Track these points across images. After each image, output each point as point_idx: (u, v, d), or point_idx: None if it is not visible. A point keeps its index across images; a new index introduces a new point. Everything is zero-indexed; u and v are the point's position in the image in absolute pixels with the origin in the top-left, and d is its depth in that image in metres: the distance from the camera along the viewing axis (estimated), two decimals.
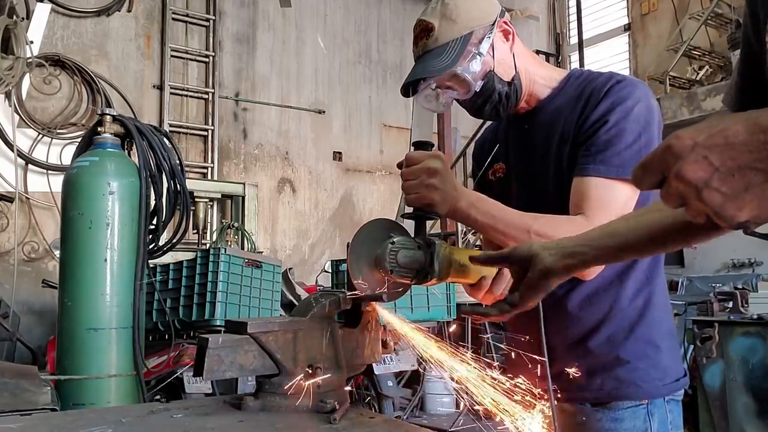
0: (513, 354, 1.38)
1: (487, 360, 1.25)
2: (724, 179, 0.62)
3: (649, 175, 0.68)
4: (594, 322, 1.38)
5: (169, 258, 3.84)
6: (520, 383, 1.18)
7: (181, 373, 3.86)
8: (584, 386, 1.35)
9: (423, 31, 1.37)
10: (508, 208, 1.30)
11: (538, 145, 1.44)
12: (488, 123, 1.69)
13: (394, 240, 1.18)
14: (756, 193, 0.61)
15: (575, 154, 1.34)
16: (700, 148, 0.63)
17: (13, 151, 5.34)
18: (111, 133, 3.03)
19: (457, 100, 1.43)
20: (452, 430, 5.31)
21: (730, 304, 4.05)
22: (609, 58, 8.88)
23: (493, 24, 1.38)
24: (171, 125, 6.44)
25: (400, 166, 1.28)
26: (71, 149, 4.13)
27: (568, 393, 1.32)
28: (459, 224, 6.61)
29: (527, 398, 1.17)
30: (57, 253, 3.46)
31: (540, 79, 1.46)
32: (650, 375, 1.34)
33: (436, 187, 1.23)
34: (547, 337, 1.18)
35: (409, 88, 1.40)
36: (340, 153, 7.66)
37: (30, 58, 5.24)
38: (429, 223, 1.33)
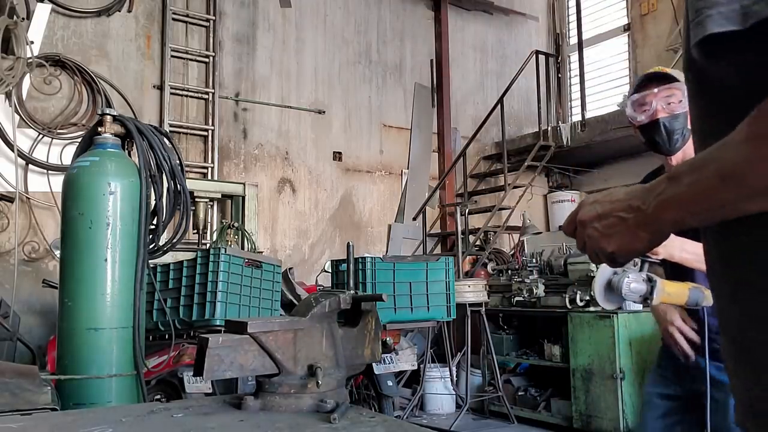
0: None
1: None
2: (600, 221, 0.91)
3: (568, 224, 0.99)
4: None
5: (169, 258, 3.84)
6: None
7: (181, 373, 3.87)
8: None
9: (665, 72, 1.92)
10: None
11: None
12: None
13: (630, 274, 1.81)
14: (619, 232, 0.88)
15: None
16: (595, 203, 0.93)
17: (13, 151, 5.34)
18: (111, 133, 3.03)
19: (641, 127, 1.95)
20: (452, 430, 5.31)
21: None
22: (609, 58, 8.88)
23: None
24: (171, 125, 6.44)
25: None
26: (71, 149, 4.14)
27: None
28: (458, 225, 6.62)
29: None
30: (57, 253, 3.47)
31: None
32: None
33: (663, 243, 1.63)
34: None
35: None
36: (340, 153, 7.66)
37: (30, 58, 5.25)
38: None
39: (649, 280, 1.79)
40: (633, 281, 1.80)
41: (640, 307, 5.26)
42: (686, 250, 1.76)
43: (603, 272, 1.85)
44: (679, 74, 1.86)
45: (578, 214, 0.95)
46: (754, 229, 0.76)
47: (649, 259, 1.82)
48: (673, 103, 1.87)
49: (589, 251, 0.95)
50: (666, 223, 0.84)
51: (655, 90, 1.88)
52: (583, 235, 0.94)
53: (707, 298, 1.81)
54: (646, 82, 1.92)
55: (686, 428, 2.02)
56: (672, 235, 1.46)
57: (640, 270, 1.83)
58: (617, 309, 2.01)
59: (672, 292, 1.81)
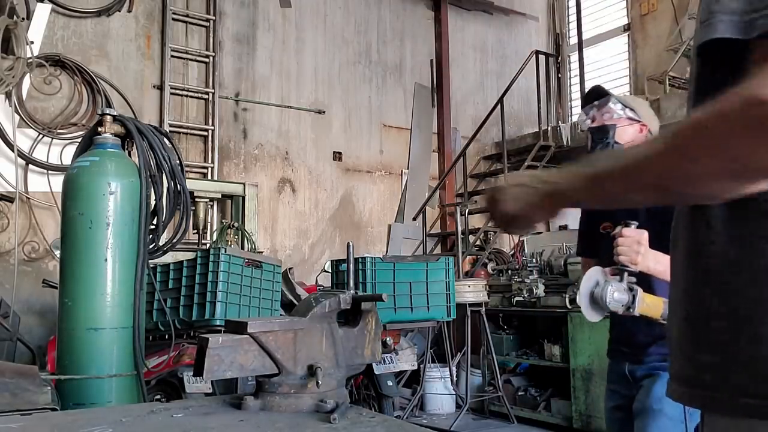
0: None
1: None
2: (516, 188, 1.08)
3: (489, 192, 1.16)
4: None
5: (169, 258, 3.84)
6: None
7: (181, 373, 3.87)
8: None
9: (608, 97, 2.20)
10: None
11: (639, 213, 2.05)
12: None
13: (612, 285, 1.88)
14: (526, 199, 1.06)
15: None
16: (518, 176, 1.12)
17: (13, 151, 5.34)
18: (111, 133, 3.03)
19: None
20: (452, 430, 5.31)
21: None
22: (609, 58, 8.88)
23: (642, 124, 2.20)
24: (171, 125, 6.44)
25: (614, 235, 1.97)
26: (71, 149, 4.14)
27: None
28: (458, 225, 6.62)
29: None
30: (57, 253, 3.47)
31: None
32: None
33: (642, 254, 1.91)
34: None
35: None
36: (340, 153, 7.66)
37: (30, 58, 5.24)
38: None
39: (631, 290, 1.88)
40: (616, 290, 1.88)
41: None
42: (660, 263, 1.88)
43: (586, 284, 1.93)
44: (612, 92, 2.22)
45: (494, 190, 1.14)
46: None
47: (628, 269, 1.90)
48: (605, 116, 2.20)
49: (497, 215, 1.13)
50: (567, 199, 1.01)
51: (595, 103, 2.23)
52: (497, 199, 1.11)
53: None
54: (587, 98, 2.29)
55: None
56: (648, 249, 1.90)
57: (621, 280, 1.90)
58: (603, 318, 2.05)
59: (650, 303, 1.90)
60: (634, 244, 1.90)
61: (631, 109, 2.21)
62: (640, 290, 1.87)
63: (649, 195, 0.91)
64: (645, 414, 2.06)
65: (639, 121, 2.19)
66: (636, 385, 2.18)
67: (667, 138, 0.80)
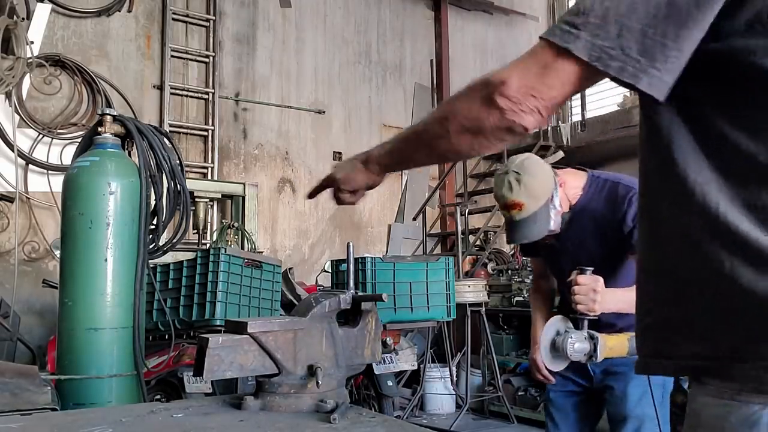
0: None
1: None
2: (342, 163, 1.46)
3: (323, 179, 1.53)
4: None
5: (169, 258, 3.83)
6: None
7: (181, 373, 3.86)
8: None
9: (515, 205, 2.02)
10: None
11: (585, 228, 2.12)
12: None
13: (573, 335, 1.88)
14: (348, 168, 1.43)
15: (621, 239, 2.02)
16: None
17: (13, 151, 5.34)
18: (111, 133, 3.03)
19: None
20: (452, 430, 5.31)
21: None
22: None
23: (556, 185, 2.06)
24: (171, 125, 6.44)
25: (570, 282, 1.95)
26: (71, 149, 4.14)
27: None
28: (458, 225, 6.61)
29: None
30: (57, 253, 3.47)
31: (573, 189, 2.12)
32: None
33: (598, 302, 1.91)
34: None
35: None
36: (340, 153, 7.66)
37: (30, 58, 5.24)
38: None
39: (591, 338, 1.88)
40: (576, 341, 1.88)
41: None
42: (622, 300, 1.90)
43: (546, 336, 1.95)
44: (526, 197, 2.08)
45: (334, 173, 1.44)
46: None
47: (588, 317, 1.91)
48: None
49: (324, 181, 1.51)
50: (377, 162, 1.29)
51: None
52: (331, 174, 1.44)
53: None
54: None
55: (589, 414, 2.31)
56: (606, 291, 1.92)
57: (580, 328, 1.91)
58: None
59: (613, 345, 1.89)
60: (590, 291, 1.90)
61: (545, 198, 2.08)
62: (600, 337, 1.87)
63: (426, 154, 1.15)
64: (627, 422, 2.07)
65: (555, 189, 2.07)
66: (596, 378, 2.19)
67: (434, 110, 1.09)
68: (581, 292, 1.91)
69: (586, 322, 1.91)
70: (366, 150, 1.34)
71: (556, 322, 1.96)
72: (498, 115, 0.93)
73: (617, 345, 1.90)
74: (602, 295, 1.89)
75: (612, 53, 0.82)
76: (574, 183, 2.14)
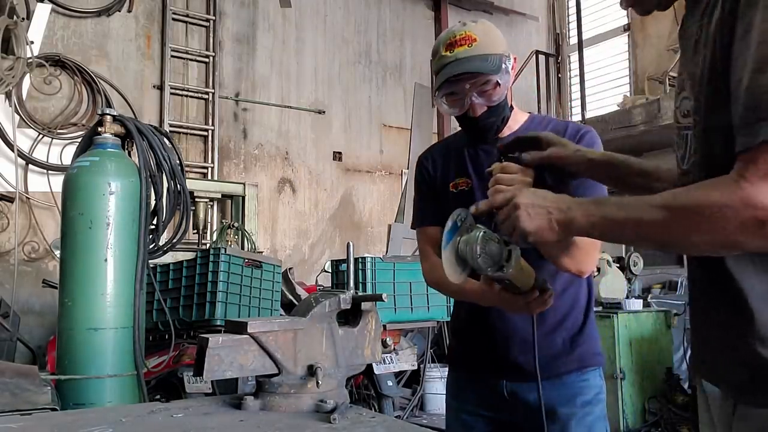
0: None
1: None
2: (533, 208, 1.14)
3: (502, 199, 1.20)
4: (561, 315, 1.68)
5: (169, 258, 3.84)
6: None
7: (181, 373, 3.86)
8: (561, 361, 1.67)
9: (465, 39, 1.58)
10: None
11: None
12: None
13: (485, 231, 1.28)
14: (541, 220, 1.13)
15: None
16: (534, 194, 1.17)
17: (13, 151, 5.34)
18: (111, 133, 3.03)
19: (457, 116, 1.67)
20: None
21: None
22: (609, 58, 8.88)
23: (508, 55, 1.63)
24: (171, 125, 6.44)
25: (489, 173, 1.47)
26: (71, 149, 4.14)
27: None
28: None
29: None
30: (57, 253, 3.46)
31: (515, 114, 1.71)
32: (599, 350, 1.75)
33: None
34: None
35: (439, 88, 1.63)
36: (340, 153, 7.66)
37: (30, 58, 5.24)
38: None
39: (506, 243, 1.30)
40: (490, 239, 1.27)
41: (640, 306, 5.28)
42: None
43: (451, 229, 1.31)
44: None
45: (517, 196, 1.16)
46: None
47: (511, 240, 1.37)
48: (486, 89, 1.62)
49: (508, 226, 1.17)
50: (577, 230, 1.13)
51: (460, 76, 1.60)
52: (512, 212, 1.15)
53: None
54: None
55: None
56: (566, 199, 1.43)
57: (494, 230, 1.32)
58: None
59: (525, 268, 1.40)
60: (517, 182, 1.39)
61: (502, 55, 1.60)
62: (517, 247, 1.28)
63: (653, 247, 1.08)
64: None
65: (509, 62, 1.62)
66: (526, 412, 1.63)
67: (672, 209, 0.97)
68: (504, 182, 1.39)
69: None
70: (560, 201, 1.13)
71: (460, 213, 1.32)
72: (763, 240, 0.90)
73: (527, 270, 1.40)
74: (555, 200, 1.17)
75: None
76: (516, 110, 1.72)
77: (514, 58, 1.64)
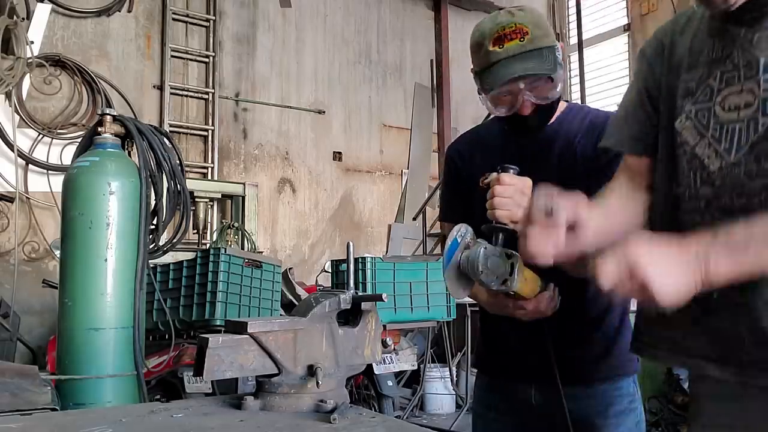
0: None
1: None
2: (658, 266, 0.98)
3: (615, 266, 1.01)
4: (596, 320, 1.61)
5: (169, 258, 3.84)
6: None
7: (181, 373, 3.87)
8: (592, 368, 1.59)
9: (516, 32, 1.43)
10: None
11: (556, 156, 1.57)
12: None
13: (486, 246, 1.30)
14: (675, 273, 0.99)
15: (597, 168, 1.49)
16: (648, 245, 1.02)
17: (13, 151, 5.34)
18: (111, 133, 3.03)
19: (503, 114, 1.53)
20: (452, 430, 5.31)
21: None
22: (609, 58, 8.87)
23: (558, 44, 1.49)
24: (171, 125, 6.44)
25: (488, 184, 1.41)
26: (71, 149, 4.14)
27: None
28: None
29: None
30: (57, 253, 3.46)
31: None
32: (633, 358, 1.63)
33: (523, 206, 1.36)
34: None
35: (491, 88, 1.48)
36: (340, 153, 7.67)
37: (30, 58, 5.25)
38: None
39: (508, 257, 1.32)
40: (491, 254, 1.31)
41: None
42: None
43: (449, 243, 1.37)
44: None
45: (629, 254, 0.99)
46: None
47: (506, 228, 1.37)
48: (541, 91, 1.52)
49: (639, 291, 1.00)
50: (722, 279, 0.98)
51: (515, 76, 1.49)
52: (636, 274, 0.98)
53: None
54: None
55: None
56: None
57: (495, 243, 1.35)
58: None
59: (529, 278, 1.37)
60: (517, 194, 1.37)
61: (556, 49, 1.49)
62: (519, 258, 1.29)
63: None
64: None
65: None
66: (554, 420, 1.54)
67: None
68: (504, 194, 1.37)
69: (501, 236, 1.36)
70: (690, 252, 1.00)
71: (460, 228, 1.36)
72: None
73: (532, 280, 1.38)
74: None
75: None
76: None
77: (561, 46, 1.50)
